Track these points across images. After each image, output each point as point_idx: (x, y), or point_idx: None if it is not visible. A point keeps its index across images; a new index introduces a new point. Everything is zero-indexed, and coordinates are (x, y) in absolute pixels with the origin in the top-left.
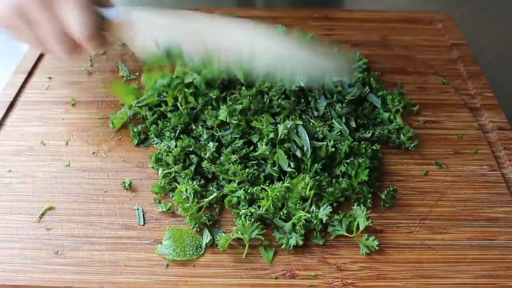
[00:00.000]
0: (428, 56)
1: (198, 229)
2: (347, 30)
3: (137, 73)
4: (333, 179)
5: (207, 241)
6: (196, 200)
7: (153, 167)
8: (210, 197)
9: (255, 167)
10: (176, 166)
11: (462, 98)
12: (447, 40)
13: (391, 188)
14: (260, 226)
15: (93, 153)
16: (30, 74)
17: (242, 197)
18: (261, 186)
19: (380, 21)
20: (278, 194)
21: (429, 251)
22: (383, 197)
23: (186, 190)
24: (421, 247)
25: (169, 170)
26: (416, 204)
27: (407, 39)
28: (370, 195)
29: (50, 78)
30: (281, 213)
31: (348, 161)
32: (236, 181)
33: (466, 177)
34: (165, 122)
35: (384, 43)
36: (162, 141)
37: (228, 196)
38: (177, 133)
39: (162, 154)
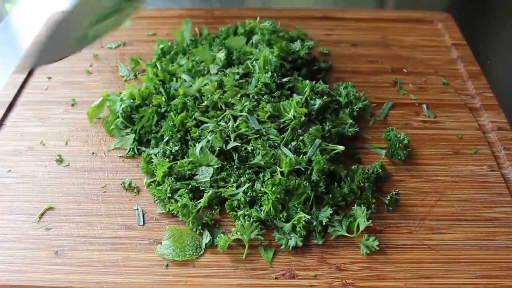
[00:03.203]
0: (428, 56)
1: (200, 231)
2: (347, 30)
3: (136, 73)
4: (335, 183)
5: (207, 242)
6: (193, 203)
7: None
8: (207, 195)
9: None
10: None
11: (462, 98)
12: (447, 40)
13: (394, 192)
14: (260, 226)
15: (93, 153)
16: (30, 74)
17: (242, 199)
18: (262, 188)
19: (380, 21)
20: (278, 196)
21: (429, 251)
22: (387, 202)
23: (181, 196)
24: (421, 247)
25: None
26: (416, 204)
27: (407, 39)
28: (374, 200)
29: (50, 78)
30: (281, 215)
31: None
32: (235, 186)
33: (466, 177)
34: (160, 124)
35: (384, 43)
36: (160, 143)
37: (228, 200)
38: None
39: (151, 158)
